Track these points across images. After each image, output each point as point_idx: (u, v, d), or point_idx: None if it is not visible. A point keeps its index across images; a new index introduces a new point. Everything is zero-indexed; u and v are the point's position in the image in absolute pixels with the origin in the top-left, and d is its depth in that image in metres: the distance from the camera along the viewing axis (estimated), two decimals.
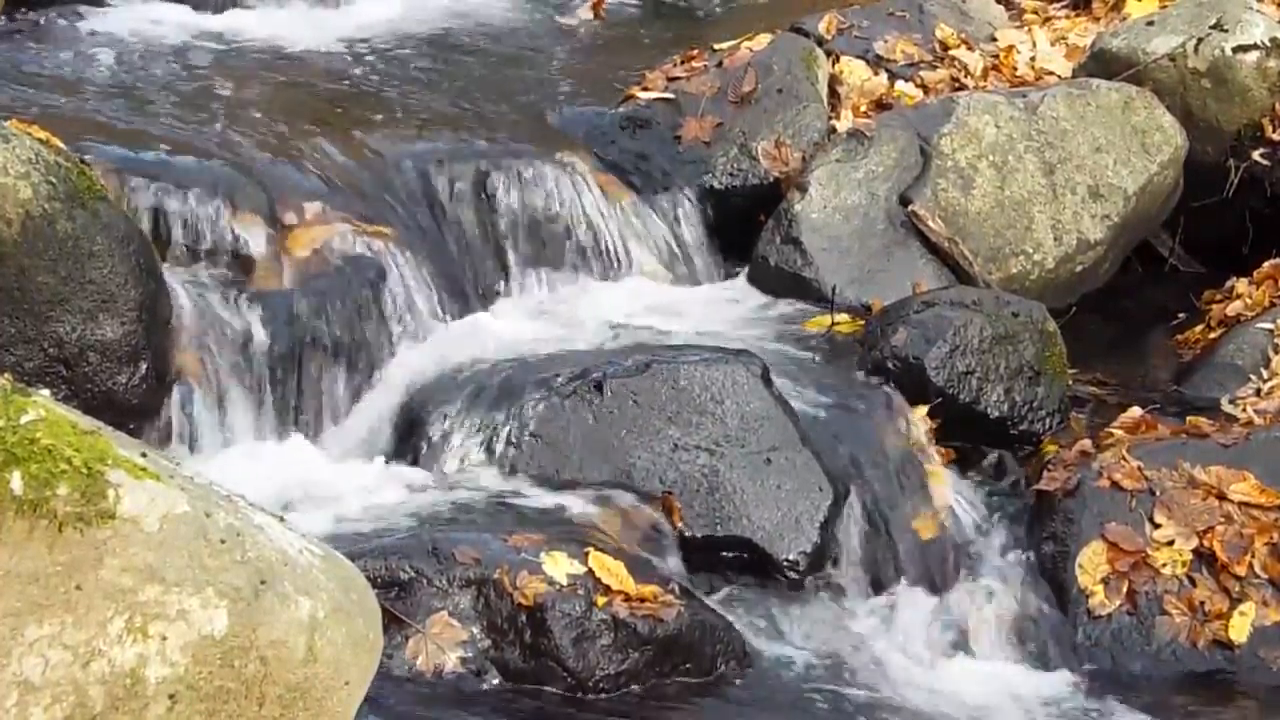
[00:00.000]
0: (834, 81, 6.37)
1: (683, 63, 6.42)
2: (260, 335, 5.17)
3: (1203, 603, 4.80)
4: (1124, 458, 4.99)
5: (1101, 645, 4.81)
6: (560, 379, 5.00)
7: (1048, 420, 5.37)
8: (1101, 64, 6.39)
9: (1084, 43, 6.66)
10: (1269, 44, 6.30)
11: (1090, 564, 4.85)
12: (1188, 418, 5.26)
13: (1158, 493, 4.93)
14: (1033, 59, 6.70)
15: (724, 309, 5.72)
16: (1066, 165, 6.03)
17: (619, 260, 5.84)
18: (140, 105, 5.92)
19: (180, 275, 5.22)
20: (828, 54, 6.44)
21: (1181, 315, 6.23)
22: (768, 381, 5.04)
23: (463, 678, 4.35)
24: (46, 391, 3.64)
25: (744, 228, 5.97)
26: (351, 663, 3.28)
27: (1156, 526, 4.88)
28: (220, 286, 5.26)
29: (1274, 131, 6.32)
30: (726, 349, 5.20)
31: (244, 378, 5.13)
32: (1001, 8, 7.07)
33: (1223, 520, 4.88)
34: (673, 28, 7.31)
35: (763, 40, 6.38)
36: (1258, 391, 5.55)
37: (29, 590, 3.05)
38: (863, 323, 5.54)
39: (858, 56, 6.48)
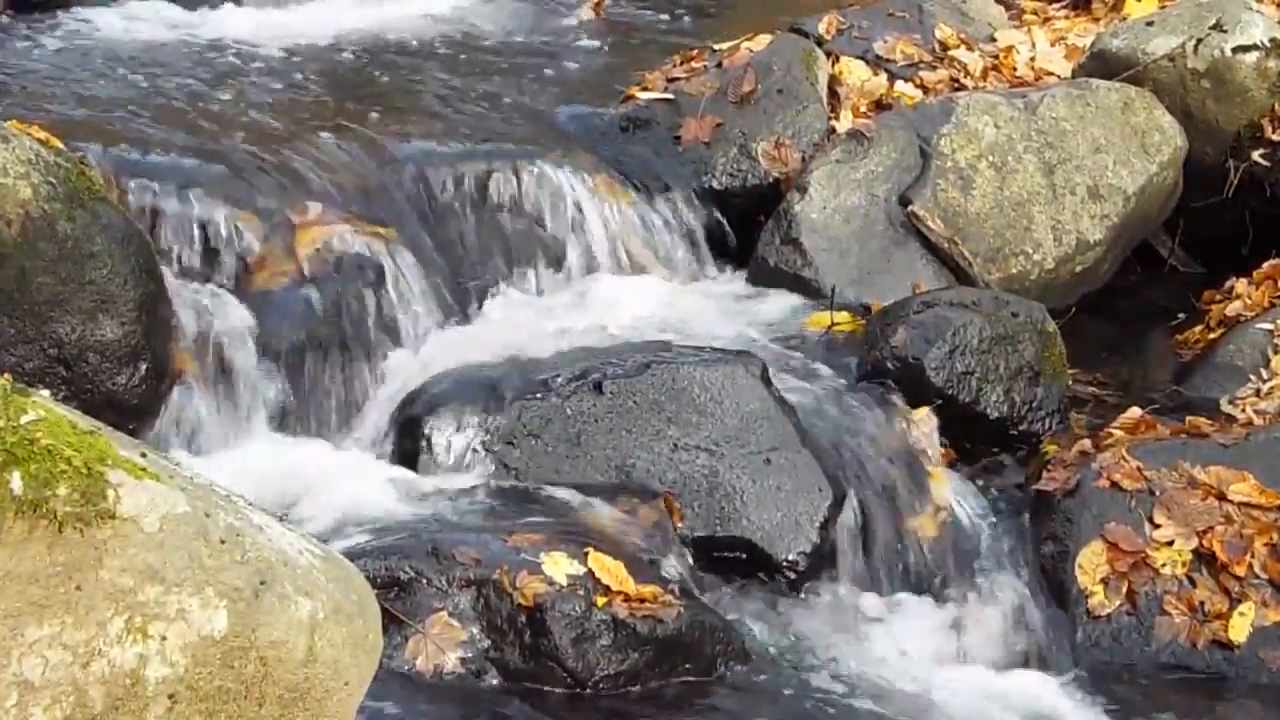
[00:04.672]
0: (834, 82, 6.37)
1: (682, 63, 6.42)
2: (260, 335, 5.17)
3: (1202, 603, 4.80)
4: (1124, 458, 4.99)
5: (1101, 645, 4.81)
6: (560, 379, 5.00)
7: (1047, 420, 5.37)
8: (1101, 64, 6.39)
9: (1083, 43, 6.66)
10: (1268, 44, 6.29)
11: (1090, 564, 4.85)
12: (1187, 418, 5.26)
13: (1157, 493, 4.93)
14: (1032, 59, 6.70)
15: (723, 309, 5.72)
16: (1066, 166, 6.03)
17: (618, 261, 5.84)
18: (140, 105, 5.92)
19: (180, 275, 5.22)
20: (827, 54, 6.44)
21: (1181, 315, 6.23)
22: (767, 382, 5.04)
23: (462, 678, 4.35)
24: (46, 392, 3.65)
25: (744, 228, 5.97)
26: (351, 663, 3.28)
27: (1156, 527, 4.88)
28: (220, 286, 5.26)
29: (1273, 132, 6.32)
30: (726, 349, 5.20)
31: (243, 378, 5.13)
32: (1001, 8, 7.07)
33: (1222, 520, 4.88)
34: (672, 28, 7.32)
35: (762, 41, 6.38)
36: (1257, 392, 5.55)
37: (29, 590, 3.05)
38: (862, 323, 5.54)
39: (857, 57, 6.48)
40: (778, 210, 5.92)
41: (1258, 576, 4.83)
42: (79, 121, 5.67)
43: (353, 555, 4.10)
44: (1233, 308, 6.01)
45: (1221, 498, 4.92)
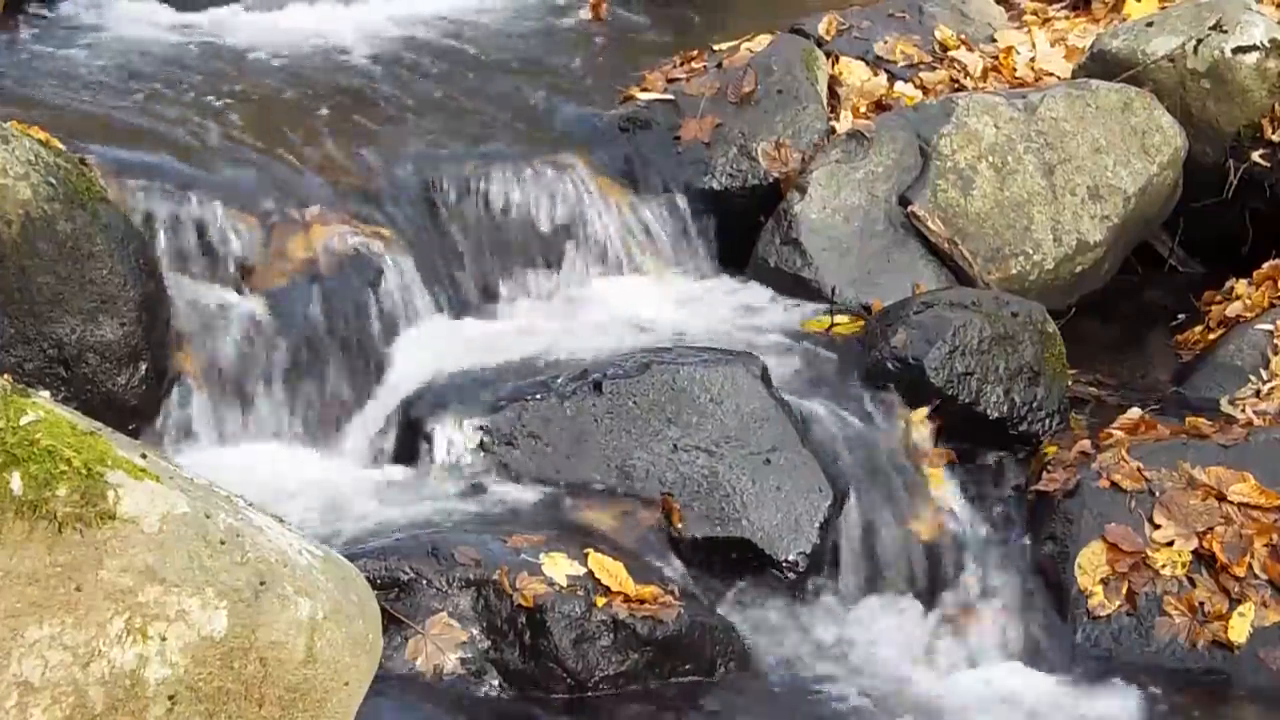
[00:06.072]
0: (834, 82, 6.37)
1: (682, 63, 6.42)
2: (259, 336, 5.17)
3: (1202, 603, 4.81)
4: (1124, 458, 4.99)
5: (1101, 646, 4.81)
6: (559, 380, 5.00)
7: (1047, 421, 5.37)
8: (1101, 65, 6.39)
9: (1083, 44, 6.66)
10: (1268, 45, 6.30)
11: (1090, 565, 4.86)
12: (1187, 418, 5.26)
13: (1157, 493, 4.93)
14: (1032, 60, 6.70)
15: (723, 310, 5.72)
16: (1066, 166, 6.03)
17: (618, 261, 5.84)
18: (140, 105, 5.92)
19: (180, 276, 5.22)
20: (827, 55, 6.45)
21: (1181, 316, 6.24)
22: (767, 382, 5.04)
23: (462, 679, 4.35)
24: (46, 392, 3.65)
25: (744, 228, 5.96)
26: (351, 664, 3.28)
27: (1156, 527, 4.89)
28: (220, 287, 5.26)
29: (1273, 132, 6.32)
30: (726, 350, 5.20)
31: (243, 379, 5.14)
32: (1001, 9, 7.07)
33: (1222, 521, 4.89)
34: (672, 28, 7.31)
35: (762, 41, 6.38)
36: (1257, 392, 5.55)
37: (29, 591, 3.05)
38: (862, 323, 5.54)
39: (857, 57, 6.48)
40: (778, 210, 5.92)
41: (1257, 577, 4.83)
42: (79, 122, 5.67)
43: (352, 556, 4.10)
44: (1233, 308, 6.01)
45: (1221, 498, 4.92)
